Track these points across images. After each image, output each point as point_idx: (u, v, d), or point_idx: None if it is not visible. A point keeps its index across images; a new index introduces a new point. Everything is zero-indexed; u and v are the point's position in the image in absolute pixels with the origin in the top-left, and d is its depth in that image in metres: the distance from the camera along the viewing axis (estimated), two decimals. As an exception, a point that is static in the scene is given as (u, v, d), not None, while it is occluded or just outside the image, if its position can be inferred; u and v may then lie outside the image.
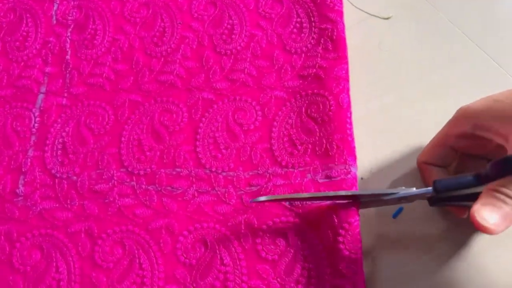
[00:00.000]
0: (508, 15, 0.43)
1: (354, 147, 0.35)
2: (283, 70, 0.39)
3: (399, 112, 0.38)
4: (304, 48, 0.39)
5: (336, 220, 0.32)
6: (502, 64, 0.40)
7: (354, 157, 0.35)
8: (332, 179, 0.34)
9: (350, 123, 0.36)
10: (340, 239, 0.31)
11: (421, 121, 0.38)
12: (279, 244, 0.33)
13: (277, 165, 0.36)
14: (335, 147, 0.34)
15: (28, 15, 0.42)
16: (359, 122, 0.37)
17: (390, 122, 0.38)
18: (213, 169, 0.36)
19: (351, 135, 0.35)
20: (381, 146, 0.37)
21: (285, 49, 0.40)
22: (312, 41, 0.39)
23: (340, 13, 0.39)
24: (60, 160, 0.37)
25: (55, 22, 0.42)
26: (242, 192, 0.35)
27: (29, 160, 0.37)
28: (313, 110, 0.36)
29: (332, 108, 0.36)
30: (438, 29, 0.42)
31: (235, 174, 0.36)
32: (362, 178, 0.36)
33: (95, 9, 0.42)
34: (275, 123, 0.37)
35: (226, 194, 0.35)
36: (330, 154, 0.34)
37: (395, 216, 0.35)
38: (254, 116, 0.38)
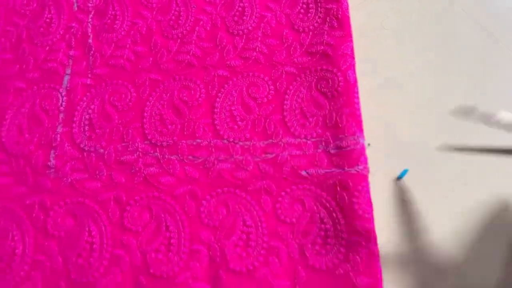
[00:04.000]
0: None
1: (361, 120, 0.38)
2: (292, 48, 0.41)
3: (401, 85, 0.41)
4: (311, 27, 0.42)
5: (351, 184, 0.35)
6: (500, 39, 0.42)
7: (361, 129, 0.38)
8: (343, 149, 0.37)
9: (357, 97, 0.39)
10: (355, 200, 0.34)
11: (422, 94, 0.41)
12: (296, 209, 0.36)
13: (290, 135, 0.38)
14: (344, 120, 0.37)
15: (50, 3, 0.45)
16: (364, 95, 0.40)
17: (394, 94, 0.41)
18: (231, 139, 0.39)
19: (359, 108, 0.38)
20: (386, 116, 0.40)
21: (293, 28, 0.42)
22: (318, 20, 0.42)
23: (345, -7, 0.42)
24: (87, 135, 0.39)
25: (76, 8, 0.45)
26: (259, 159, 0.38)
27: (58, 135, 0.40)
28: (322, 85, 0.39)
29: (340, 83, 0.38)
30: (437, 8, 0.44)
31: (251, 144, 0.38)
32: (369, 144, 0.39)
33: (114, -4, 0.45)
34: (286, 96, 0.40)
35: (244, 161, 0.38)
36: (340, 126, 0.37)
37: (400, 177, 0.38)
38: (267, 90, 0.40)
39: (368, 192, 0.35)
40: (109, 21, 0.44)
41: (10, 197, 0.38)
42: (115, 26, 0.43)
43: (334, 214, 0.35)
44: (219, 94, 0.40)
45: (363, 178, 0.36)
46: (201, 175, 0.38)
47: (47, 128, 0.40)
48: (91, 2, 0.45)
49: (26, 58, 0.43)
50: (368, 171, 0.36)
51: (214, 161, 0.38)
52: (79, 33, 0.43)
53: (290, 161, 0.37)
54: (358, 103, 0.38)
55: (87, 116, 0.40)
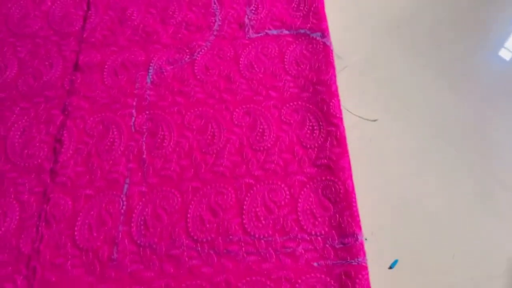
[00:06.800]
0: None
1: (359, 221, 0.49)
2: (302, 161, 0.53)
3: (390, 188, 0.53)
4: (316, 144, 0.54)
5: (353, 273, 0.45)
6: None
7: (360, 228, 0.48)
8: (346, 245, 0.48)
9: (355, 202, 0.50)
10: (357, 286, 0.44)
11: (405, 197, 0.52)
12: None
13: (304, 232, 0.49)
14: (345, 220, 0.48)
15: (113, 126, 0.58)
16: (361, 194, 0.51)
17: (386, 197, 0.52)
18: (256, 236, 0.49)
19: (357, 211, 0.49)
20: (383, 206, 0.51)
21: (302, 145, 0.55)
22: (321, 139, 0.55)
23: (341, 119, 0.55)
24: (143, 233, 0.50)
25: (133, 130, 0.57)
26: (279, 252, 0.48)
27: (120, 233, 0.50)
28: (327, 192, 0.51)
29: (341, 191, 0.50)
30: (413, 127, 0.57)
31: (273, 239, 0.49)
32: (366, 239, 0.49)
33: (163, 120, 0.58)
34: (299, 200, 0.51)
35: (267, 254, 0.48)
36: (342, 226, 0.48)
37: (391, 267, 0.48)
38: (283, 195, 0.51)
39: (367, 279, 0.45)
40: (159, 140, 0.56)
41: (82, 286, 0.47)
42: (164, 144, 0.56)
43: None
44: (246, 198, 0.52)
45: (363, 268, 0.46)
46: (234, 266, 0.47)
47: (111, 227, 0.51)
48: (145, 126, 0.58)
49: (95, 170, 0.54)
50: (366, 262, 0.46)
51: (244, 254, 0.48)
52: (136, 149, 0.56)
53: (304, 254, 0.47)
54: (356, 207, 0.50)
55: (142, 218, 0.51)
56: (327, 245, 0.48)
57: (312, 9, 0.65)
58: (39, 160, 0.55)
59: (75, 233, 0.50)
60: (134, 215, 0.51)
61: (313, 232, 0.49)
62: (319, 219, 0.49)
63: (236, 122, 0.57)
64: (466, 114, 0.58)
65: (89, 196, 0.53)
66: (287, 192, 0.52)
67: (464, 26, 0.65)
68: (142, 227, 0.50)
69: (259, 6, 0.67)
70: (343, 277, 0.46)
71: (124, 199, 0.52)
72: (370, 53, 0.63)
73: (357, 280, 0.45)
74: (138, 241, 0.50)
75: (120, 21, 0.66)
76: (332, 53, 0.61)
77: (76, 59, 0.63)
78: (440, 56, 0.63)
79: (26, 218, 0.52)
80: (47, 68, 0.63)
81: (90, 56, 0.63)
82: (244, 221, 0.50)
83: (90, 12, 0.68)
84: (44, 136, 0.57)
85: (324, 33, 0.63)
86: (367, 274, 0.46)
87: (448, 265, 0.48)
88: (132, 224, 0.51)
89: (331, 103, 0.56)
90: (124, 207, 0.52)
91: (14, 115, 0.59)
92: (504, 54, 0.63)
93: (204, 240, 0.49)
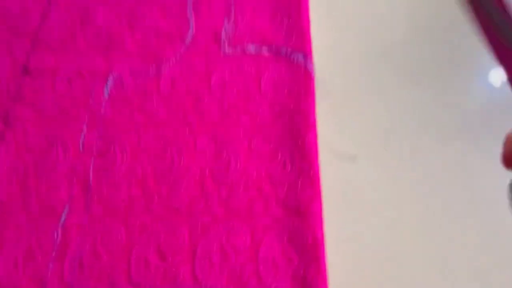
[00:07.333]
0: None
1: (326, 277, 0.42)
2: (268, 200, 0.47)
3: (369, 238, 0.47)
4: (286, 182, 0.48)
5: None
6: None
7: (326, 286, 0.42)
8: None
9: (324, 255, 0.44)
10: None
11: (382, 253, 0.46)
12: None
13: (262, 285, 0.43)
14: (311, 276, 0.42)
15: (58, 142, 0.51)
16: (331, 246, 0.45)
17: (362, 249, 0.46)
18: (208, 286, 0.43)
19: (324, 266, 0.43)
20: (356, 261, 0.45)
21: (271, 182, 0.49)
22: (293, 177, 0.48)
23: (316, 157, 0.49)
24: (77, 274, 0.43)
25: (81, 149, 0.50)
26: (232, 308, 0.42)
27: (49, 272, 0.43)
28: (294, 239, 0.44)
29: (309, 240, 0.44)
30: (396, 170, 0.52)
31: (226, 291, 0.42)
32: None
33: (117, 140, 0.51)
34: (261, 247, 0.45)
35: (218, 310, 0.41)
36: (307, 281, 0.42)
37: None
38: (244, 239, 0.45)
39: None
40: (109, 162, 0.49)
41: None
42: (115, 168, 0.49)
43: None
44: (201, 240, 0.45)
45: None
46: (178, 321, 0.41)
47: (40, 263, 0.43)
48: (95, 144, 0.51)
49: (30, 193, 0.47)
50: None
51: (191, 308, 0.42)
52: (81, 172, 0.49)
53: (261, 313, 0.41)
54: (324, 260, 0.43)
55: (78, 255, 0.44)
56: (288, 304, 0.42)
57: (296, 26, 0.59)
58: (-33, 177, 0.48)
59: (-3, 268, 0.43)
60: (69, 250, 0.44)
61: (272, 286, 0.42)
62: (281, 271, 0.43)
63: (199, 148, 0.51)
64: (450, 159, 0.53)
65: (19, 224, 0.46)
66: (248, 236, 0.45)
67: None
68: (76, 266, 0.43)
69: (239, 18, 0.60)
70: None
71: (59, 230, 0.45)
72: (354, 81, 0.58)
73: None
74: (71, 283, 0.43)
75: (82, 21, 0.59)
76: (313, 80, 0.55)
77: (27, 62, 0.56)
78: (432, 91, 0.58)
79: None
80: (-7, 69, 0.55)
81: (43, 59, 0.56)
82: (196, 268, 0.43)
83: (50, 8, 0.60)
84: (-23, 148, 0.50)
85: (307, 54, 0.57)
86: None
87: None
88: (65, 262, 0.44)
89: (306, 137, 0.50)
90: (58, 240, 0.45)
91: None
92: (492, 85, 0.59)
93: (147, 286, 0.42)
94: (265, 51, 0.57)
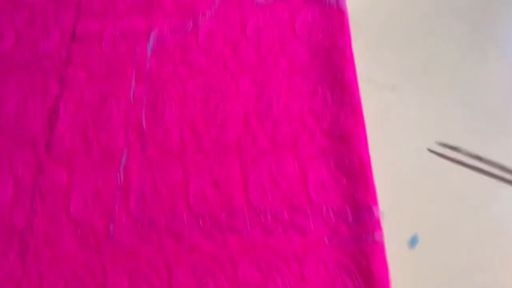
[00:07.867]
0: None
1: (375, 193, 0.44)
2: (313, 132, 0.49)
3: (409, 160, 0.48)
4: (329, 114, 0.50)
5: (368, 251, 0.41)
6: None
7: (375, 202, 0.44)
8: (360, 220, 0.43)
9: (371, 174, 0.45)
10: (372, 264, 0.40)
11: (425, 169, 0.47)
12: (320, 271, 0.41)
13: (314, 205, 0.45)
14: (360, 194, 0.44)
15: (111, 97, 0.54)
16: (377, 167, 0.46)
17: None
18: (262, 209, 0.45)
19: (373, 183, 0.45)
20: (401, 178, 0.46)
21: (314, 114, 0.50)
22: (335, 108, 0.50)
23: (356, 87, 0.51)
24: (141, 207, 0.47)
25: (132, 101, 0.54)
26: (287, 227, 0.44)
27: (117, 208, 0.47)
28: (340, 163, 0.46)
29: (355, 162, 0.45)
30: (435, 95, 0.52)
31: (280, 213, 0.45)
32: (382, 213, 0.45)
33: (164, 91, 0.54)
34: (309, 173, 0.47)
35: (274, 229, 0.44)
36: (357, 199, 0.44)
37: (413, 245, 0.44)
38: (292, 168, 0.47)
39: (384, 258, 0.41)
40: (159, 111, 0.53)
41: (76, 261, 0.44)
42: (165, 115, 0.52)
43: (353, 277, 0.40)
44: (252, 171, 0.47)
45: (379, 245, 0.41)
46: (238, 242, 0.44)
47: (107, 201, 0.47)
48: (145, 96, 0.54)
49: (91, 143, 0.51)
50: (383, 239, 0.42)
51: (249, 229, 0.44)
52: (135, 121, 0.52)
53: (314, 230, 0.43)
54: (372, 178, 0.45)
55: (140, 192, 0.47)
56: (340, 220, 0.43)
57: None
58: (34, 133, 0.52)
59: (70, 207, 0.47)
60: (132, 188, 0.48)
61: (324, 206, 0.45)
62: (331, 192, 0.45)
63: (241, 91, 0.53)
64: (494, 83, 0.53)
65: (85, 169, 0.50)
66: (296, 165, 0.47)
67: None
68: (140, 201, 0.47)
69: (268, -31, 0.62)
70: (357, 255, 0.41)
71: (121, 172, 0.49)
72: (388, 17, 0.58)
73: (373, 259, 0.41)
74: (136, 216, 0.46)
75: (120, -12, 0.62)
76: (347, 17, 0.56)
77: (74, 29, 0.60)
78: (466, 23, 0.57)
79: (20, 191, 0.49)
80: (44, 39, 0.59)
81: (88, 25, 0.60)
82: (249, 194, 0.46)
83: (89, -20, 0.64)
84: (40, 108, 0.54)
85: (338, -5, 0.58)
86: (384, 252, 0.41)
87: (474, 242, 0.43)
88: (130, 198, 0.47)
89: (345, 70, 0.52)
90: (121, 180, 0.49)
91: (9, 87, 0.56)
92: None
93: (206, 214, 0.45)
94: (296, -3, 0.59)
